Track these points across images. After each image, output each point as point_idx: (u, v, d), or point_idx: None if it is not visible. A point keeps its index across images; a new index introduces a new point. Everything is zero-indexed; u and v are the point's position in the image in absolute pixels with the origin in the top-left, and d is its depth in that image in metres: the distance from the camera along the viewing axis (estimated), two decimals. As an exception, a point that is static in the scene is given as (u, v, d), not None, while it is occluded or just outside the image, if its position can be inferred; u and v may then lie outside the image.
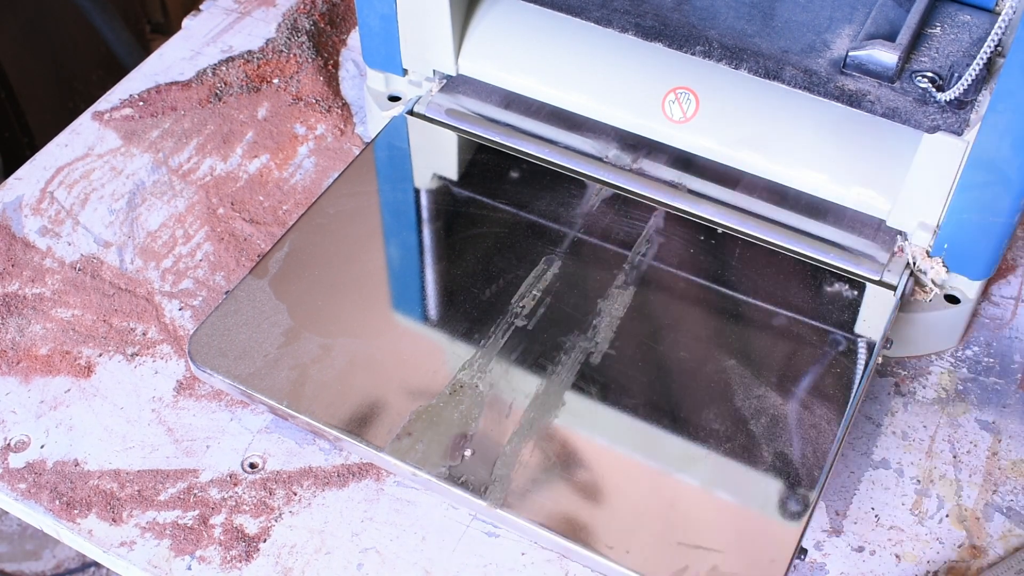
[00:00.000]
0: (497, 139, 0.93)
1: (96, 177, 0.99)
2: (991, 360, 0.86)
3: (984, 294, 0.91)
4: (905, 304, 0.84)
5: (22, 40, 1.68)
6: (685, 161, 0.89)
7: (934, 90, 0.75)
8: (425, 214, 0.89)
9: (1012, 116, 0.72)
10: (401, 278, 0.84)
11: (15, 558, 1.64)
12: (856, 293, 0.82)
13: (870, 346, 0.78)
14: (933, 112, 0.75)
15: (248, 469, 0.78)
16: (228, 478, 0.78)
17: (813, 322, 0.80)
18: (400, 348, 0.79)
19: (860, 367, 0.77)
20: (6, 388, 0.83)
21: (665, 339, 0.79)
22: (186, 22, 1.14)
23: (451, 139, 0.94)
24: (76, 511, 0.76)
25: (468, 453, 0.73)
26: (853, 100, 0.76)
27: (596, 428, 0.74)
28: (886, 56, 0.75)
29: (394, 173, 0.92)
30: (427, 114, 0.95)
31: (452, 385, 0.76)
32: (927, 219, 0.81)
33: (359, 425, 0.74)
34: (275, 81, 1.07)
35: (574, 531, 0.69)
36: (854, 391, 0.76)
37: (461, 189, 0.90)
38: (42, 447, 0.80)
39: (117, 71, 1.40)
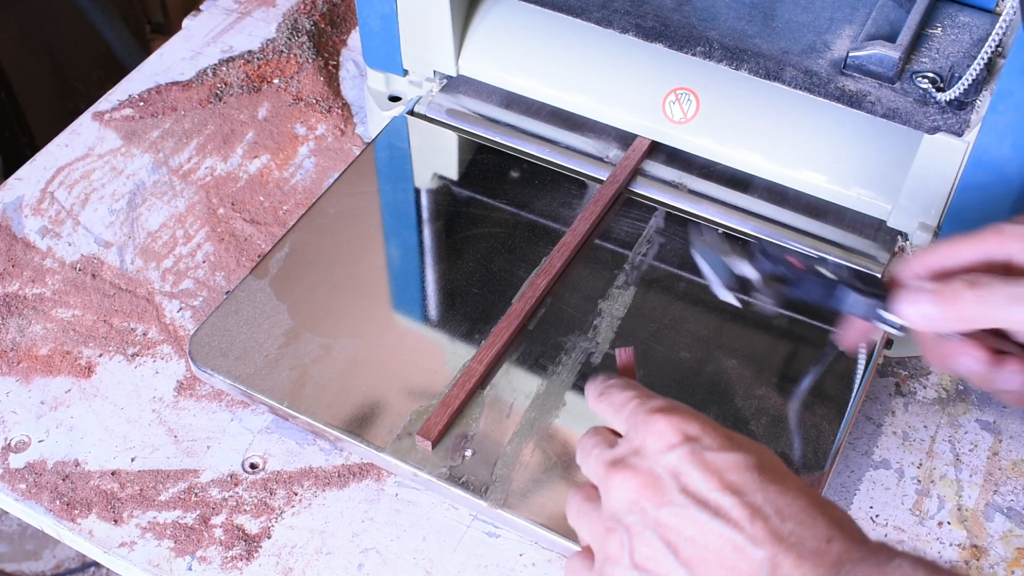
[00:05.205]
0: (497, 139, 0.93)
1: (96, 177, 0.99)
2: (991, 360, 0.86)
3: (984, 294, 0.91)
4: (905, 304, 0.84)
5: (22, 40, 1.68)
6: (686, 161, 0.89)
7: (934, 91, 0.75)
8: (425, 214, 0.89)
9: (1012, 116, 0.72)
10: (402, 278, 0.84)
11: (15, 558, 1.64)
12: (856, 293, 0.82)
13: (871, 346, 0.78)
14: (933, 113, 0.75)
15: (249, 469, 0.78)
16: (229, 478, 0.78)
17: (814, 322, 0.80)
18: (401, 348, 0.79)
19: (861, 367, 0.77)
20: (6, 388, 0.83)
21: (666, 339, 0.79)
22: (186, 22, 1.14)
23: (451, 139, 0.94)
24: (77, 511, 0.76)
25: (469, 453, 0.73)
26: (854, 101, 0.76)
27: (597, 428, 0.74)
28: (887, 57, 0.75)
29: (394, 173, 0.92)
30: (428, 114, 0.95)
31: (453, 385, 0.76)
32: (928, 220, 0.81)
33: (360, 425, 0.74)
34: (275, 81, 1.07)
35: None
36: (854, 391, 0.76)
37: (461, 189, 0.90)
38: (42, 446, 0.80)
39: (117, 71, 1.40)
